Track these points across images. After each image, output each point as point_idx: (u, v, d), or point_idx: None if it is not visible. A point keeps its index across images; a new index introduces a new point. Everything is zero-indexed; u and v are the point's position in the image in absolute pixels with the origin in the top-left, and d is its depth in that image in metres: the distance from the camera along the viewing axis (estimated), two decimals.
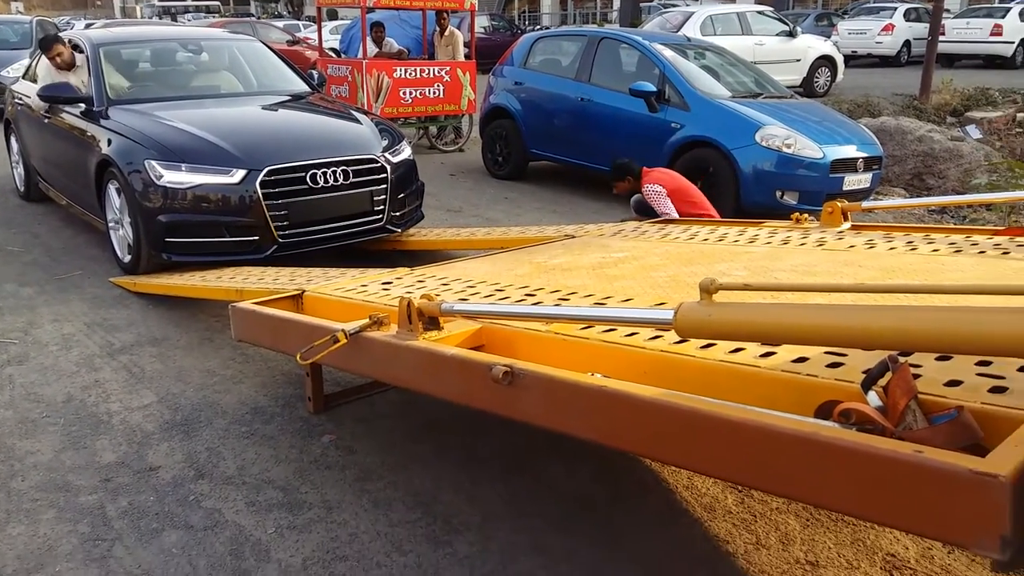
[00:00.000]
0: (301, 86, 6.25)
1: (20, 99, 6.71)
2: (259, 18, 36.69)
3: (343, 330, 2.56)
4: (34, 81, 6.51)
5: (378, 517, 2.62)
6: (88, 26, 17.48)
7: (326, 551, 2.45)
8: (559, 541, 2.48)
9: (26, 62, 13.09)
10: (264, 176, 4.53)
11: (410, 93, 9.27)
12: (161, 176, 4.50)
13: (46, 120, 5.95)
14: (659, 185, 5.30)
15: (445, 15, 10.06)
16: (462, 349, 2.40)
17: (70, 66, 5.96)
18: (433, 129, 10.16)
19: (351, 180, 4.84)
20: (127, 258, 4.91)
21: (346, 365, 2.80)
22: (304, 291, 3.41)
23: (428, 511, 2.65)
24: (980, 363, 1.82)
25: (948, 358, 1.87)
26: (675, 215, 5.13)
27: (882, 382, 1.69)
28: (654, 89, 6.94)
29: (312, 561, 2.40)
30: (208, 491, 2.78)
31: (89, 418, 3.31)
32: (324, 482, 2.82)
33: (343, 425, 3.23)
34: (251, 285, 3.85)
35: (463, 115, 10.00)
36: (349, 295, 3.26)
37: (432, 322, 2.52)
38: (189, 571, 2.36)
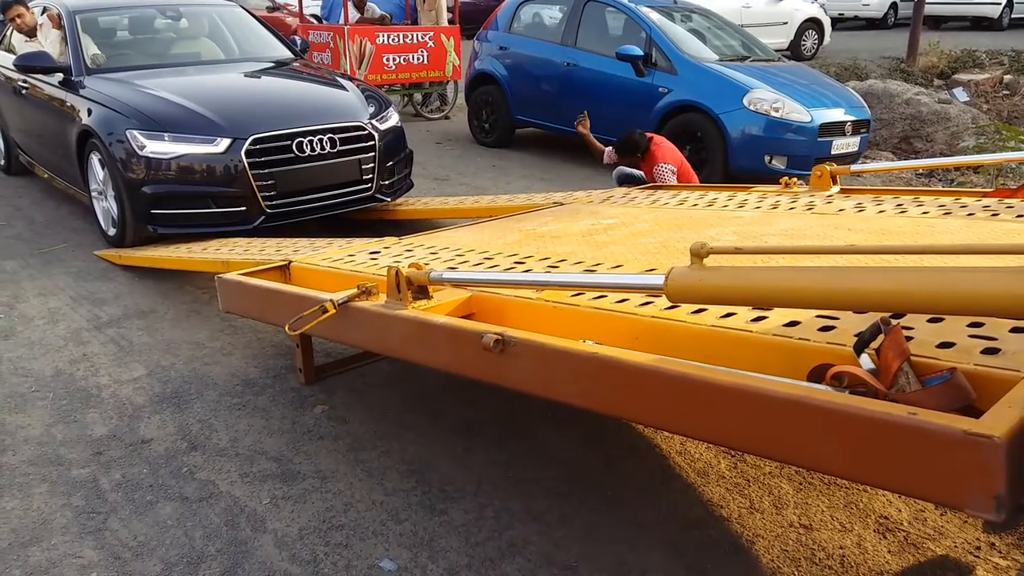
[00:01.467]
0: (284, 52, 6.16)
1: None
2: None
3: (331, 300, 2.55)
4: (9, 51, 6.37)
5: (373, 486, 2.62)
6: None
7: (322, 521, 2.45)
8: (554, 507, 2.50)
9: None
10: (249, 145, 4.47)
11: (393, 59, 9.15)
12: (144, 146, 4.43)
13: (24, 91, 5.84)
14: (672, 165, 5.22)
15: None
16: (452, 318, 2.39)
17: (32, 31, 5.85)
18: (418, 96, 10.05)
19: (338, 148, 4.78)
20: (112, 231, 4.85)
21: (335, 335, 2.79)
22: (291, 261, 3.38)
23: (423, 479, 2.66)
24: (972, 324, 1.83)
25: (940, 320, 1.87)
26: None
27: (874, 344, 1.70)
28: (641, 53, 6.88)
29: (308, 531, 2.41)
30: (201, 463, 2.77)
31: (79, 392, 3.29)
32: (317, 452, 2.83)
33: (335, 396, 3.22)
34: (237, 256, 3.82)
35: (448, 81, 9.89)
36: (337, 265, 3.24)
37: (421, 291, 2.50)
38: (185, 542, 2.37)
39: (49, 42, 5.73)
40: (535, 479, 2.65)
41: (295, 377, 3.34)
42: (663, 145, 5.34)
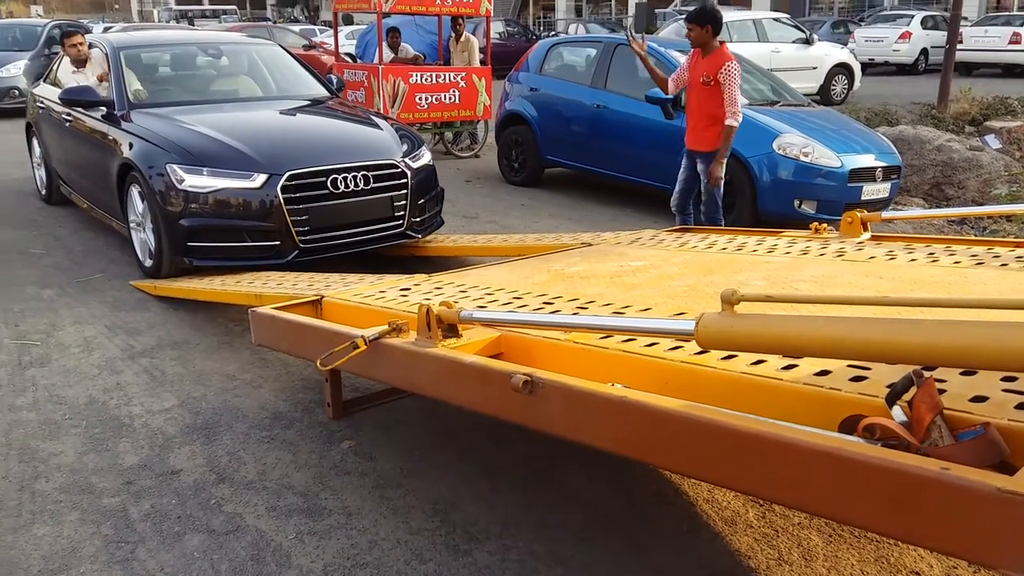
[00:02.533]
0: (321, 91, 6.29)
1: (42, 102, 6.78)
2: (275, 23, 36.93)
3: (363, 336, 2.58)
4: (55, 84, 6.58)
5: (398, 525, 2.63)
6: (106, 29, 17.64)
7: (346, 558, 2.46)
8: (579, 552, 2.49)
9: (22, 64, 13.30)
10: (285, 181, 4.56)
11: (426, 98, 9.31)
12: (183, 180, 4.54)
13: (67, 124, 6.02)
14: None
15: (461, 21, 10.11)
16: (481, 357, 2.41)
17: (83, 62, 6.07)
18: (449, 135, 10.19)
19: (372, 185, 4.86)
20: (148, 262, 4.95)
21: (365, 371, 2.82)
22: (323, 296, 3.43)
23: (447, 519, 2.66)
24: (1006, 379, 1.82)
25: (973, 373, 1.86)
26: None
27: (906, 397, 1.69)
28: (670, 96, 6.93)
29: (333, 568, 2.41)
30: (229, 495, 2.80)
31: (111, 421, 3.34)
32: (344, 488, 2.84)
33: (362, 431, 3.24)
34: (270, 290, 3.88)
35: (478, 121, 10.03)
36: (368, 301, 3.28)
37: (451, 329, 2.53)
38: (211, 575, 2.38)
39: (94, 76, 5.93)
40: (560, 522, 2.64)
41: (323, 411, 3.37)
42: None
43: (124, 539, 2.56)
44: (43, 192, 7.26)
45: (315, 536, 2.57)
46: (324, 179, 4.68)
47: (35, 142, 7.23)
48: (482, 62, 10.18)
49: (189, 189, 4.53)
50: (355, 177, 4.77)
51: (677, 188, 5.74)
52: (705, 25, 5.28)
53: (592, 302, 2.89)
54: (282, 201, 4.54)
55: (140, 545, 2.53)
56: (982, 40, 19.39)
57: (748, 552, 2.49)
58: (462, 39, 10.10)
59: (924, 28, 20.80)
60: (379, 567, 2.42)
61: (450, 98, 9.49)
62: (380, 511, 2.70)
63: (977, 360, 1.50)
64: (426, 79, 9.31)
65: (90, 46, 6.20)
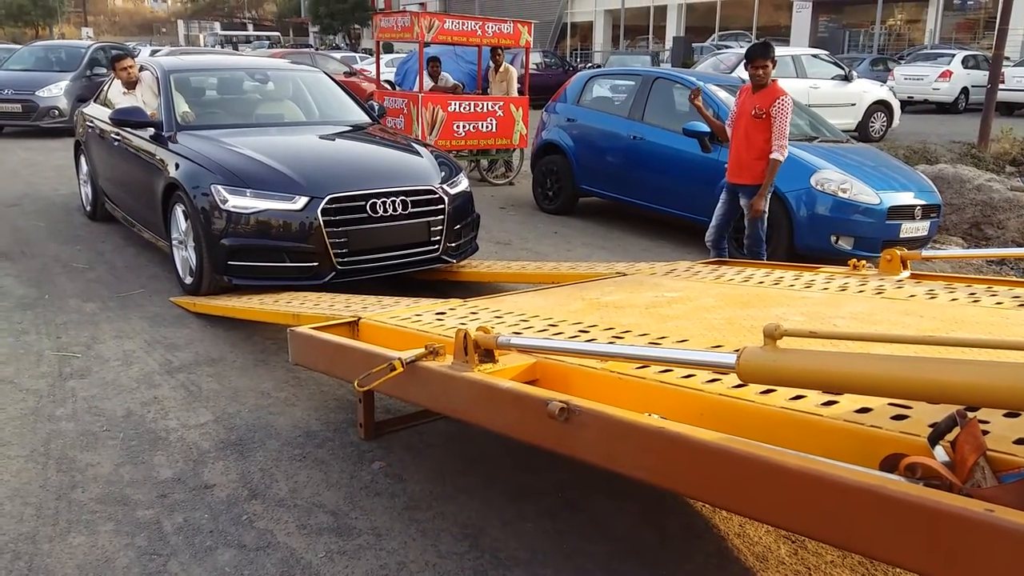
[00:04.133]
0: (362, 117, 6.40)
1: (91, 122, 6.97)
2: (317, 49, 37.69)
3: (400, 359, 2.61)
4: (105, 105, 6.77)
5: (426, 547, 2.63)
6: (153, 52, 18.09)
7: None
8: None
9: (64, 84, 13.68)
10: (326, 204, 4.63)
11: (463, 126, 9.42)
12: (226, 200, 4.63)
13: (115, 143, 6.18)
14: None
15: (500, 51, 10.24)
16: (518, 383, 2.42)
17: (133, 84, 6.25)
18: (484, 162, 10.29)
19: (409, 210, 4.92)
20: (189, 279, 5.04)
21: (401, 393, 2.84)
22: (360, 318, 3.47)
23: (476, 544, 2.65)
24: None
25: (1017, 415, 1.83)
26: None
27: (949, 437, 1.67)
28: (708, 130, 6.94)
29: None
30: (261, 512, 2.82)
31: (147, 434, 3.39)
32: (374, 509, 2.85)
33: (393, 452, 3.26)
34: (307, 310, 3.93)
35: (514, 149, 10.12)
36: (404, 324, 3.31)
37: (488, 354, 2.55)
38: None
39: (144, 98, 6.10)
40: (589, 552, 2.62)
41: (355, 432, 3.39)
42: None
43: (157, 551, 2.59)
44: (88, 208, 7.43)
45: (344, 556, 2.58)
46: (363, 203, 4.75)
47: (83, 160, 7.41)
48: (520, 92, 10.29)
49: (232, 209, 4.62)
50: (393, 202, 4.84)
51: (713, 223, 5.73)
52: (770, 58, 5.33)
53: (628, 332, 2.89)
54: (322, 223, 4.61)
55: (172, 558, 2.56)
56: None
57: None
58: (501, 69, 10.23)
59: (965, 67, 20.66)
60: None
61: (487, 126, 9.60)
62: (409, 533, 2.71)
63: (1022, 402, 1.48)
64: (464, 108, 9.43)
65: (141, 69, 6.38)
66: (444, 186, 5.17)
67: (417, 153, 5.63)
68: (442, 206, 5.09)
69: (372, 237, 4.80)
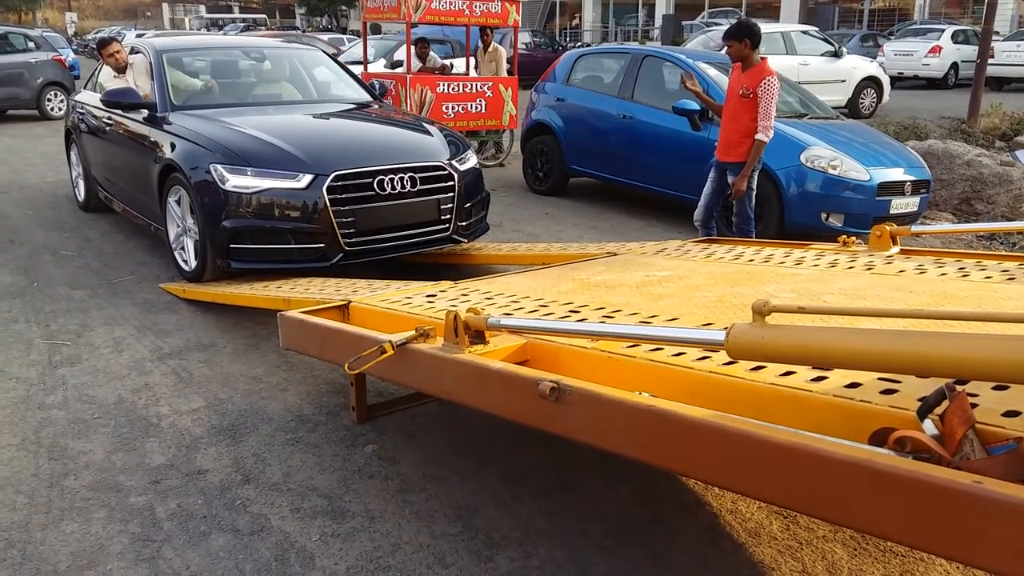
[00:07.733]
0: (364, 95, 6.28)
1: (82, 108, 6.80)
2: (304, 31, 37.32)
3: (390, 341, 2.60)
4: (95, 90, 6.65)
5: (420, 529, 2.64)
6: (139, 36, 17.84)
7: (369, 560, 2.47)
8: (600, 560, 2.48)
9: None
10: (331, 181, 4.47)
11: (453, 107, 9.36)
12: (226, 180, 4.47)
13: (107, 127, 6.04)
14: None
15: (489, 31, 10.16)
16: (508, 363, 2.41)
17: (123, 68, 6.13)
18: (474, 143, 10.22)
19: (418, 187, 4.77)
20: (192, 264, 4.85)
21: (392, 376, 2.84)
22: (350, 302, 3.46)
23: (469, 525, 2.66)
24: None
25: (1006, 387, 1.84)
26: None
27: (938, 410, 1.68)
28: (697, 108, 6.90)
29: (356, 570, 2.43)
30: (254, 496, 2.82)
31: (139, 420, 3.38)
32: (367, 491, 2.85)
33: (385, 435, 3.26)
34: (298, 295, 3.92)
35: (504, 130, 10.07)
36: (394, 307, 3.30)
37: (478, 336, 2.54)
38: (236, 575, 2.40)
39: (137, 81, 5.99)
40: (582, 530, 2.63)
41: (347, 415, 3.39)
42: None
43: (151, 537, 2.59)
44: (80, 199, 7.23)
45: (338, 538, 2.59)
46: (371, 180, 4.61)
47: (73, 151, 7.22)
48: (509, 72, 10.23)
49: (232, 190, 4.45)
50: (402, 179, 4.70)
51: (701, 202, 5.71)
52: (742, 39, 5.30)
53: (618, 311, 2.89)
54: (328, 202, 4.45)
55: (166, 544, 2.56)
56: (1014, 55, 19.19)
57: (772, 564, 2.47)
58: (490, 49, 10.16)
59: (954, 42, 20.61)
60: (402, 570, 2.43)
61: (476, 107, 9.54)
62: (403, 515, 2.71)
63: (1010, 374, 1.48)
64: (453, 88, 9.36)
65: (132, 51, 6.26)
66: (453, 162, 5.05)
67: (424, 130, 5.50)
68: (452, 183, 4.95)
69: (380, 216, 4.66)
